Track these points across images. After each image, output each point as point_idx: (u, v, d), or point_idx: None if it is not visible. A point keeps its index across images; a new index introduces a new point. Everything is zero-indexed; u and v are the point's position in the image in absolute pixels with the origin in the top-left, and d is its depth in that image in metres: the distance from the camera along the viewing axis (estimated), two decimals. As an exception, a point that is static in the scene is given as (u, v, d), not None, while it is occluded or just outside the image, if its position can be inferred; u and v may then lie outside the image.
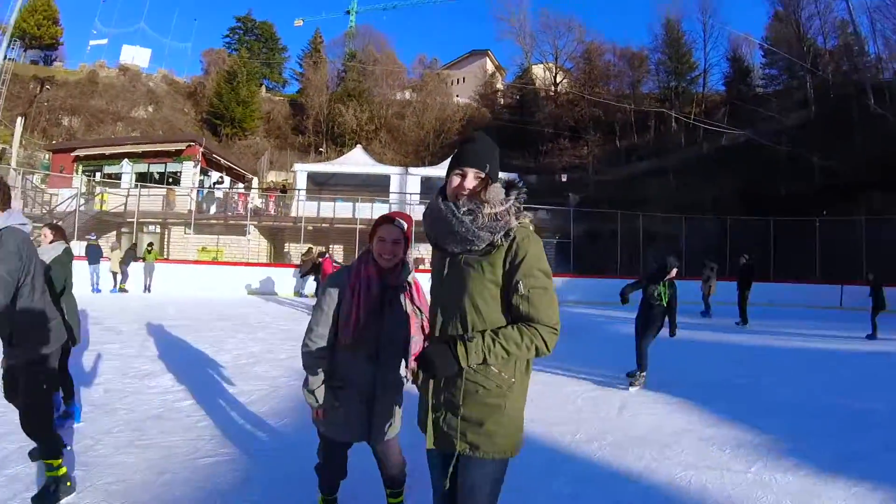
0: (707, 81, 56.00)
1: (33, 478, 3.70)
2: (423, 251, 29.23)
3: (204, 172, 32.80)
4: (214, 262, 24.30)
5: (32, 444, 3.71)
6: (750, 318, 15.58)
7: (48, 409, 3.59)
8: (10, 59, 45.48)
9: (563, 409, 6.39)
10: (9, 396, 3.63)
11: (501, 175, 2.26)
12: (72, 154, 32.27)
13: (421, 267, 28.05)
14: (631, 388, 7.32)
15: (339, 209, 29.35)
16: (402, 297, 2.92)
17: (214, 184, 33.33)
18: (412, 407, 2.52)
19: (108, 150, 32.44)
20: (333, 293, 2.95)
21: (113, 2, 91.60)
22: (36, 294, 3.31)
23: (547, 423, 5.64)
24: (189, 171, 31.31)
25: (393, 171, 32.82)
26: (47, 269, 4.44)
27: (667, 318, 7.82)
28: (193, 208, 27.91)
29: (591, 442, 5.17)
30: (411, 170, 33.40)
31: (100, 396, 6.08)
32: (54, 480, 3.43)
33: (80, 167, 31.54)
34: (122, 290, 19.88)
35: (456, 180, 2.18)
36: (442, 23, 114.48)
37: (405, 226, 2.97)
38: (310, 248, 22.81)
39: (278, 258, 29.11)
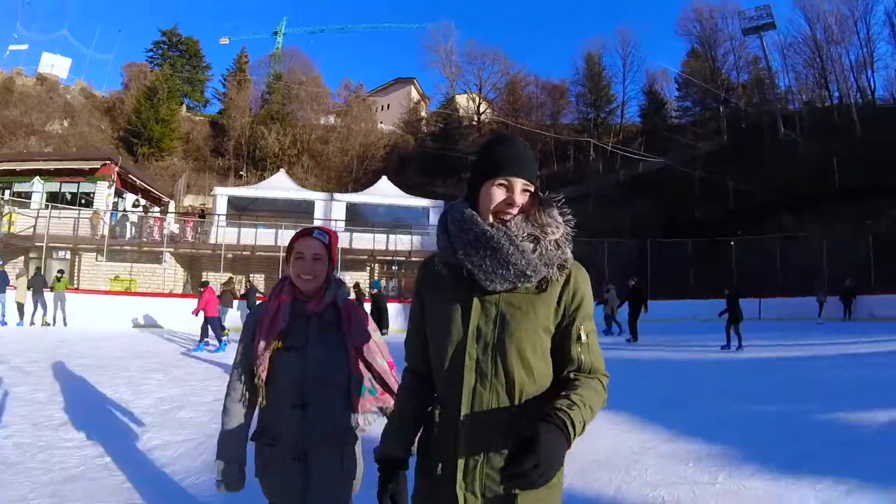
0: (625, 113, 60.13)
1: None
2: (347, 279, 28.63)
3: (119, 194, 30.66)
4: (128, 292, 22.84)
5: None
6: (675, 333, 16.81)
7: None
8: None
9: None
10: None
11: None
12: (-21, 167, 29.83)
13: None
14: None
15: (260, 236, 28.09)
16: (332, 326, 2.42)
17: (133, 205, 31.35)
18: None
19: (19, 166, 30.05)
20: (248, 334, 2.45)
21: (36, 5, 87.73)
22: None
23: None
24: (103, 192, 29.17)
25: (318, 197, 31.85)
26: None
27: None
28: (106, 233, 26.11)
29: (555, 472, 5.02)
30: (336, 196, 32.42)
31: (10, 452, 5.50)
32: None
33: (-11, 183, 29.26)
34: (46, 323, 18.59)
35: (499, 193, 1.66)
36: (369, 49, 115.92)
37: (328, 238, 2.46)
38: (230, 279, 22.06)
39: (195, 288, 27.44)
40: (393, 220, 32.02)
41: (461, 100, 61.24)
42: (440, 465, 1.69)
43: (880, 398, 8.30)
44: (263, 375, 2.31)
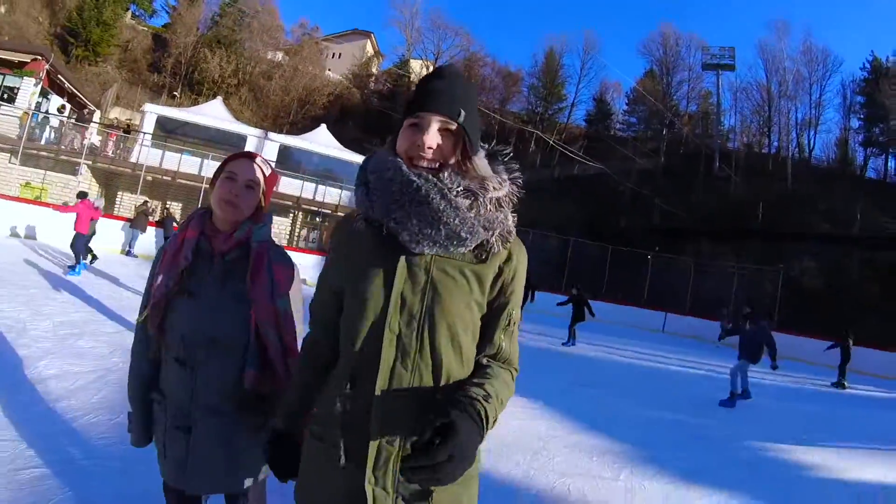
0: (572, 114, 61.39)
1: None
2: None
3: (44, 94, 28.50)
4: (38, 201, 21.10)
5: None
6: (580, 331, 16.46)
7: None
8: None
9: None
10: None
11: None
12: None
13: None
14: None
15: (184, 163, 26.83)
16: (239, 271, 1.97)
17: (58, 110, 28.88)
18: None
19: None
20: (153, 270, 2.05)
21: None
22: None
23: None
24: (28, 89, 27.01)
25: (251, 133, 30.56)
26: None
27: None
28: (24, 134, 24.07)
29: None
30: (271, 135, 31.29)
31: None
32: None
33: None
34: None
35: (409, 134, 1.41)
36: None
37: (269, 171, 2.12)
38: (145, 201, 21.17)
39: (109, 207, 26.02)
40: (324, 171, 31.43)
41: (415, 65, 60.31)
42: (343, 452, 1.43)
43: (775, 424, 9.08)
44: (154, 322, 1.94)
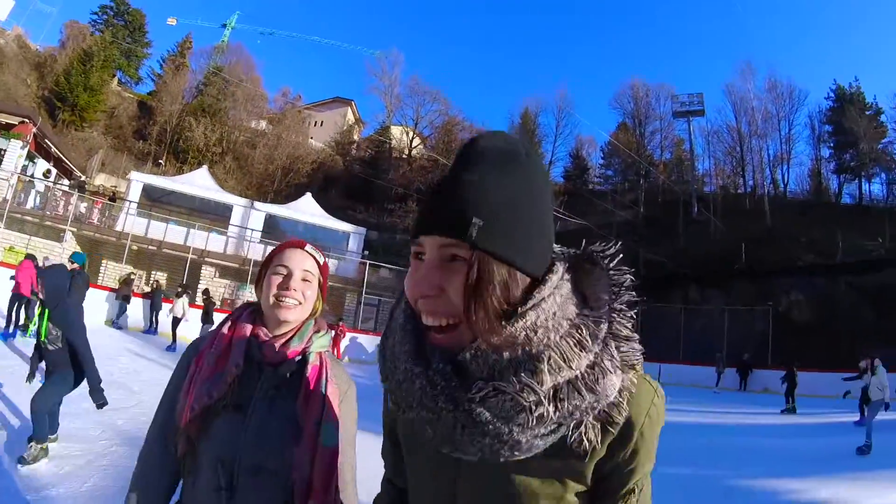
0: (550, 171, 59.93)
1: None
2: (251, 293, 27.60)
3: (31, 157, 27.90)
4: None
5: None
6: None
7: None
8: None
9: None
10: None
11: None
12: None
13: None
14: None
15: (170, 232, 26.49)
16: (291, 387, 1.63)
17: (43, 174, 28.59)
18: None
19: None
20: (179, 373, 1.71)
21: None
22: None
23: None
24: (14, 152, 26.13)
25: (237, 202, 30.47)
26: None
27: None
28: (10, 198, 23.62)
29: None
30: (257, 204, 31.11)
31: None
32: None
33: None
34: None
35: (411, 271, 0.90)
36: (314, 63, 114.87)
37: (322, 259, 1.79)
38: (130, 273, 20.91)
39: (93, 276, 24.79)
40: (310, 240, 31.26)
41: (396, 131, 61.15)
42: None
43: (789, 466, 9.02)
44: (189, 437, 1.57)
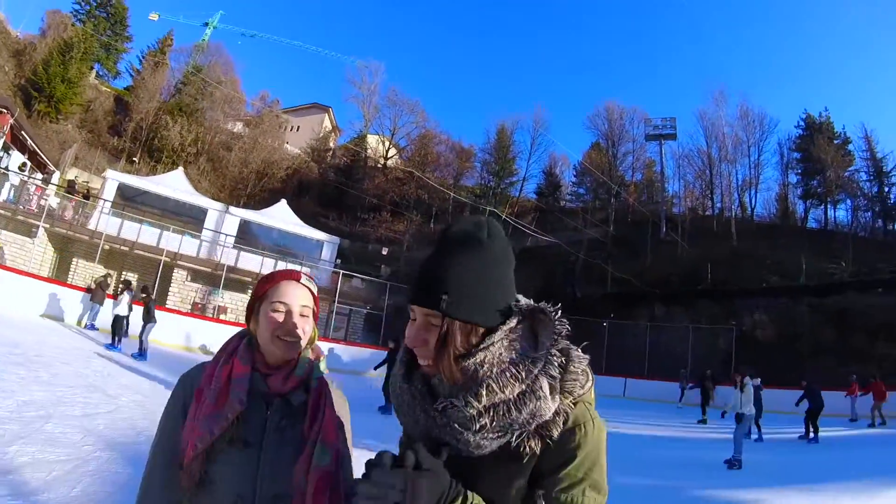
0: (524, 188, 62.56)
1: None
2: (226, 299, 27.36)
3: (6, 149, 26.90)
4: None
5: None
6: None
7: None
8: None
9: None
10: None
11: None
12: None
13: (223, 317, 26.28)
14: None
15: (143, 233, 25.88)
16: (298, 415, 1.66)
17: (19, 168, 27.54)
18: None
19: None
20: (174, 410, 1.65)
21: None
22: None
23: None
24: None
25: (212, 206, 30.16)
26: None
27: None
28: None
29: None
30: (232, 209, 30.86)
31: None
32: None
33: None
34: None
35: (408, 329, 1.25)
36: (293, 68, 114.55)
37: (315, 290, 1.79)
38: (107, 275, 20.67)
39: (62, 276, 24.85)
40: (283, 247, 31.21)
41: (372, 140, 61.29)
42: None
43: (748, 478, 9.52)
44: (194, 476, 1.51)
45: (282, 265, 28.68)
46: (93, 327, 18.49)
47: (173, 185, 29.87)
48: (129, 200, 29.24)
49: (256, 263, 28.32)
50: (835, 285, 36.01)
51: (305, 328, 1.70)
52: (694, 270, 41.18)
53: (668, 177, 60.53)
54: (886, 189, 50.34)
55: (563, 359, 1.19)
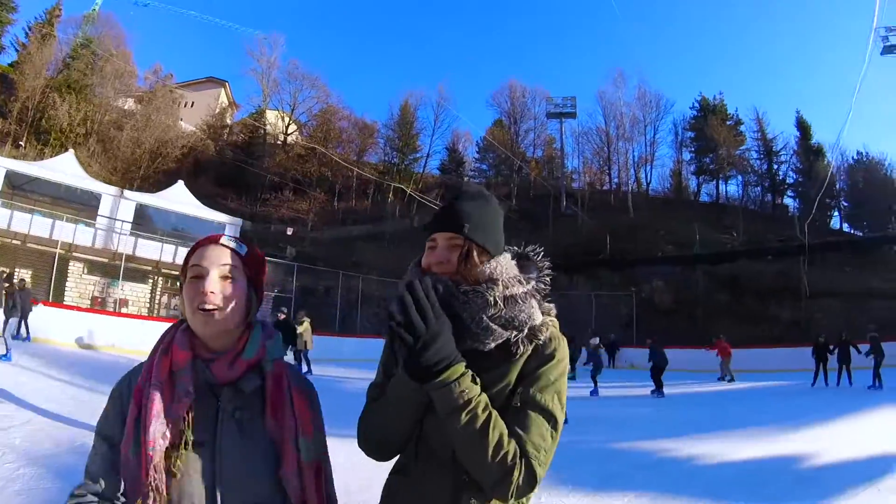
0: (427, 164, 63.36)
1: None
2: (127, 290, 26.55)
3: None
4: None
5: None
6: None
7: None
8: None
9: None
10: None
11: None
12: None
13: (125, 310, 25.38)
14: None
15: (35, 224, 24.47)
16: (255, 405, 1.49)
17: None
18: None
19: None
20: (114, 409, 1.47)
21: None
22: None
23: None
24: None
25: (106, 191, 28.61)
26: None
27: None
28: None
29: None
30: (127, 193, 29.51)
31: None
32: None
33: None
34: None
35: (427, 254, 1.58)
36: (188, 39, 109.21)
37: (245, 251, 1.57)
38: (9, 275, 19.71)
39: None
40: (182, 231, 30.40)
41: (271, 116, 59.82)
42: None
43: (658, 429, 10.47)
44: (160, 490, 1.32)
45: (183, 251, 27.97)
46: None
47: (64, 169, 28.07)
48: (17, 189, 27.60)
49: (156, 250, 27.71)
50: (727, 254, 39.64)
51: (229, 292, 1.46)
52: (594, 242, 43.41)
53: (568, 153, 62.99)
54: (775, 167, 55.22)
55: (542, 283, 1.62)
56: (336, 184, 55.05)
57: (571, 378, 20.62)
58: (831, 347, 19.14)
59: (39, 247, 24.26)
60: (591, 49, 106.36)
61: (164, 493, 1.33)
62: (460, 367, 1.36)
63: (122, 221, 27.57)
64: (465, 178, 61.45)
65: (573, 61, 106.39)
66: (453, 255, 1.51)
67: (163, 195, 31.20)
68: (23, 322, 16.60)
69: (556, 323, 1.61)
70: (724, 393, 17.99)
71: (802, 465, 7.59)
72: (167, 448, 1.35)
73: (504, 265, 1.53)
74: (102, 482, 1.42)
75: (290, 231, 42.99)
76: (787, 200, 54.69)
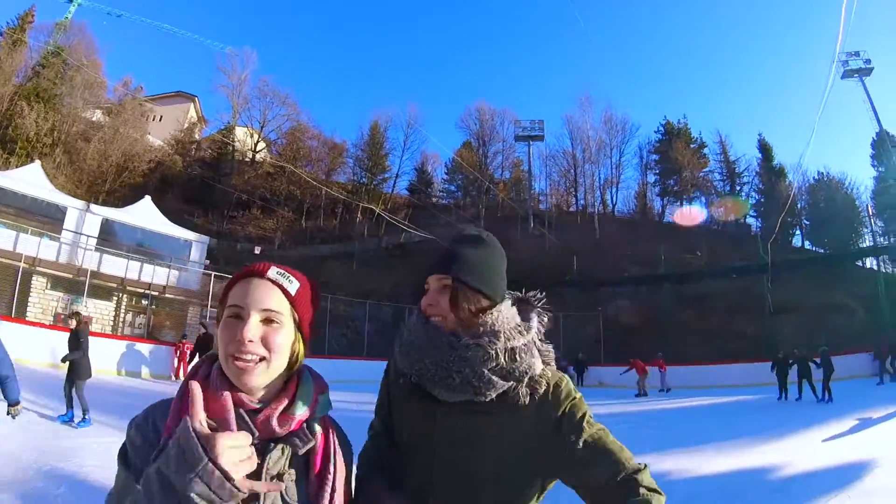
0: (396, 184, 63.82)
1: None
2: (91, 308, 25.81)
3: None
4: None
5: None
6: None
7: None
8: None
9: None
10: None
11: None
12: None
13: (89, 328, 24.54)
14: None
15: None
16: (297, 468, 1.28)
17: None
18: None
19: None
20: (125, 479, 1.17)
21: None
22: None
23: None
24: None
25: (72, 204, 27.90)
26: None
27: None
28: None
29: None
30: (94, 207, 28.87)
31: None
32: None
33: None
34: None
35: (424, 296, 1.57)
36: (159, 52, 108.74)
37: (296, 286, 1.34)
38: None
39: None
40: (149, 248, 29.86)
41: (240, 132, 59.60)
42: None
43: (631, 446, 10.67)
44: None
45: (149, 268, 27.62)
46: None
47: (30, 180, 27.40)
48: (-22, 200, 26.52)
49: (121, 267, 26.89)
50: (692, 273, 40.54)
51: (271, 341, 1.25)
52: (561, 262, 43.97)
53: (536, 175, 64.20)
54: (738, 188, 56.96)
55: (540, 335, 1.59)
56: (304, 202, 54.95)
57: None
58: (790, 361, 19.82)
59: (2, 259, 23.31)
60: (559, 73, 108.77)
61: None
62: None
63: (88, 236, 26.85)
64: (434, 200, 62.48)
65: (541, 85, 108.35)
66: (443, 297, 1.51)
67: (129, 210, 30.64)
68: None
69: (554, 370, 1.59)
70: (694, 408, 18.46)
71: (775, 476, 7.88)
72: None
73: (506, 315, 1.52)
74: None
75: (257, 250, 42.67)
76: (750, 220, 56.02)
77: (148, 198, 32.16)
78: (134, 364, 20.16)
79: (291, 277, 1.34)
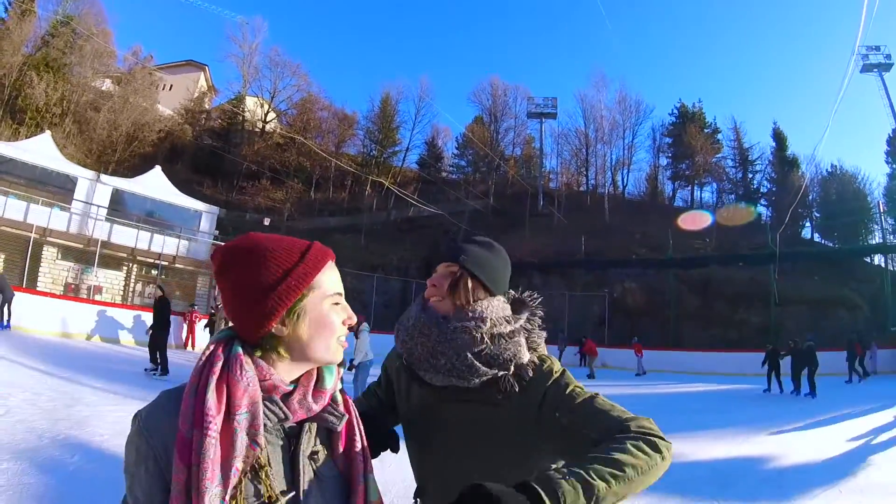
0: (406, 158, 63.07)
1: None
2: (101, 277, 26.14)
3: None
4: None
5: None
6: None
7: None
8: None
9: None
10: None
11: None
12: None
13: (98, 297, 24.87)
14: None
15: (9, 207, 23.73)
16: (326, 436, 1.25)
17: None
18: None
19: None
20: (144, 481, 1.03)
21: None
22: None
23: None
24: None
25: (82, 174, 27.92)
26: None
27: None
28: None
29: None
30: (104, 177, 28.86)
31: None
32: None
33: None
34: None
35: (429, 282, 1.64)
36: (169, 21, 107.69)
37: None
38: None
39: None
40: (158, 218, 29.98)
41: (250, 102, 58.90)
42: None
43: None
44: None
45: (158, 238, 27.78)
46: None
47: (41, 151, 27.31)
48: (-9, 170, 26.71)
49: (131, 237, 27.15)
50: (699, 259, 40.20)
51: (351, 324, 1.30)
52: (568, 242, 43.52)
53: (547, 153, 62.97)
54: (750, 175, 56.35)
55: (531, 324, 1.67)
56: (314, 174, 54.63)
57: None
58: (781, 353, 19.61)
59: (13, 230, 23.67)
60: (574, 51, 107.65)
61: None
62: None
63: (98, 206, 26.97)
64: (444, 175, 61.90)
65: (556, 62, 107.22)
66: (447, 282, 1.60)
67: (139, 180, 30.63)
68: (6, 308, 16.43)
69: (542, 354, 1.64)
70: (691, 395, 18.53)
71: (768, 466, 7.97)
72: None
73: (495, 305, 1.59)
74: None
75: (266, 221, 42.59)
76: (760, 209, 55.21)
77: (158, 168, 32.13)
78: (144, 333, 20.41)
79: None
